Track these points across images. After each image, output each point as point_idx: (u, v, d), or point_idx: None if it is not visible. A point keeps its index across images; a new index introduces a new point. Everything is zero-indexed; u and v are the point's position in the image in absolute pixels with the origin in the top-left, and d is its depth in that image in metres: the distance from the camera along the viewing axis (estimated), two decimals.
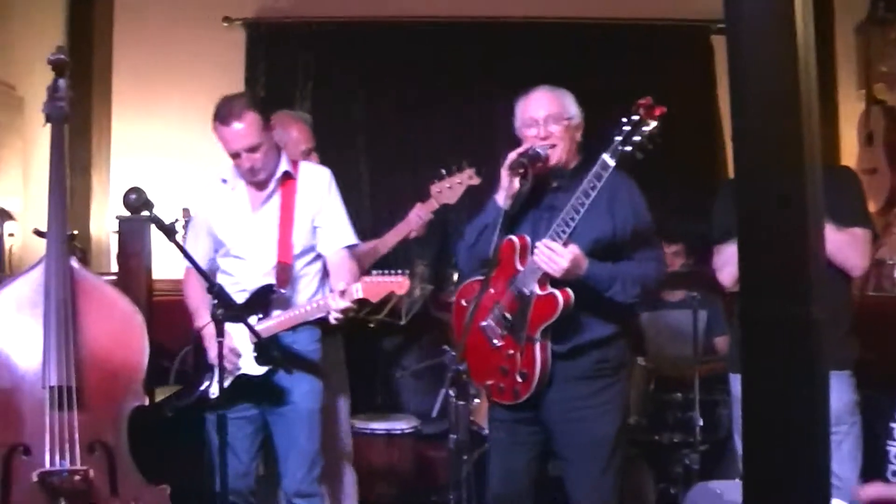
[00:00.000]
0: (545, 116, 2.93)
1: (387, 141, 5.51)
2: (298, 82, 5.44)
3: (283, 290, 3.23)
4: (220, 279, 3.31)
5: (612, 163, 2.58)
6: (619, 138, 2.56)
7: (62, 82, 2.93)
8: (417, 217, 4.00)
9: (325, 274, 3.38)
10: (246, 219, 3.32)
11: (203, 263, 3.39)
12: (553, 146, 2.90)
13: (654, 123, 2.54)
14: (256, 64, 5.46)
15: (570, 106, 2.99)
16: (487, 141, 5.43)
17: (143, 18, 5.47)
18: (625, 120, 2.57)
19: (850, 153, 5.08)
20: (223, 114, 3.19)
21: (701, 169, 5.53)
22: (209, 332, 3.16)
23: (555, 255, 2.67)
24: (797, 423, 1.75)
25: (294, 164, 3.37)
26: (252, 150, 3.19)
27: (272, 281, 3.23)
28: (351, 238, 3.35)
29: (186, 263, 3.35)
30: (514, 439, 3.03)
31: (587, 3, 5.54)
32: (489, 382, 2.97)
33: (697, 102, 5.54)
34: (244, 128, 3.17)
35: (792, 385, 1.77)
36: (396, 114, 5.52)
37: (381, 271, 3.10)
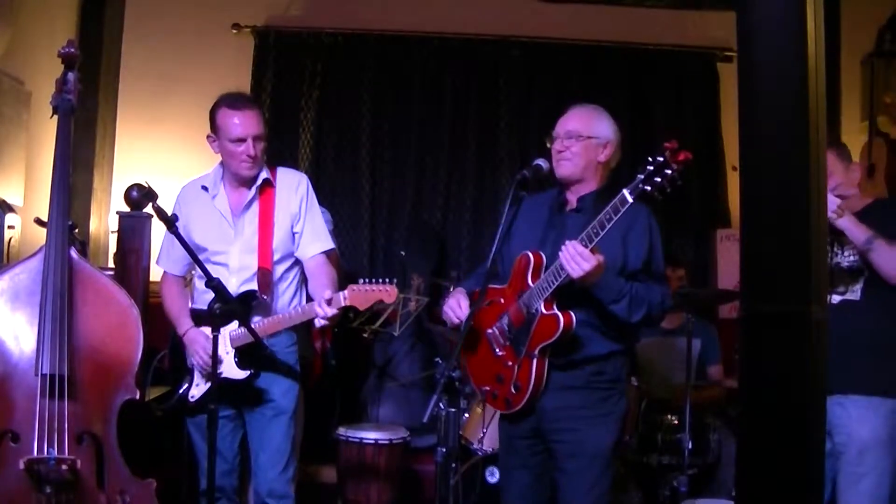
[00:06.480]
0: (565, 131, 2.97)
1: (390, 152, 5.55)
2: (304, 91, 5.48)
3: (265, 296, 3.23)
4: (199, 286, 3.32)
5: (630, 199, 2.58)
6: (641, 176, 2.56)
7: (72, 75, 2.94)
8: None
9: (304, 279, 3.38)
10: (227, 225, 3.31)
11: (180, 269, 3.42)
12: (561, 160, 2.94)
13: (676, 167, 2.52)
14: (264, 71, 5.50)
15: (598, 126, 2.99)
16: (489, 157, 5.49)
17: (153, 20, 5.52)
18: (650, 159, 2.56)
19: None
20: (233, 99, 3.25)
21: (702, 193, 5.57)
22: (190, 337, 3.22)
23: (580, 258, 2.68)
24: (794, 426, 1.76)
25: (272, 170, 3.38)
26: (258, 138, 3.23)
27: (253, 287, 3.23)
28: (328, 243, 3.37)
29: (162, 270, 3.43)
30: (515, 460, 3.05)
31: (594, 25, 5.60)
32: (486, 388, 3.00)
33: (701, 127, 5.59)
34: (256, 115, 3.25)
35: (790, 384, 1.77)
36: (401, 125, 5.56)
37: (369, 279, 3.08)
